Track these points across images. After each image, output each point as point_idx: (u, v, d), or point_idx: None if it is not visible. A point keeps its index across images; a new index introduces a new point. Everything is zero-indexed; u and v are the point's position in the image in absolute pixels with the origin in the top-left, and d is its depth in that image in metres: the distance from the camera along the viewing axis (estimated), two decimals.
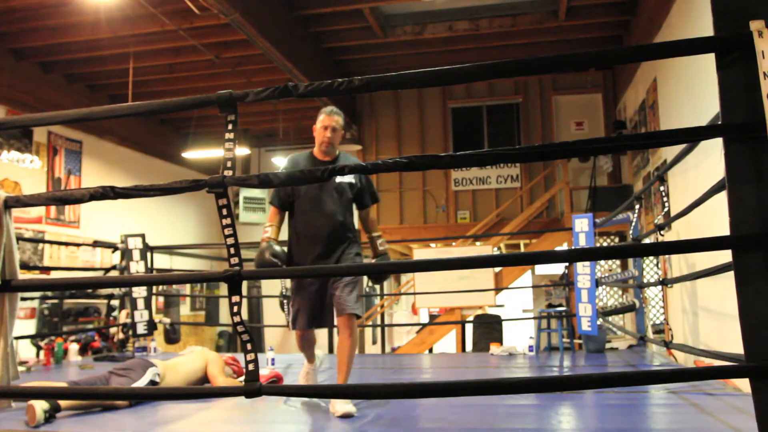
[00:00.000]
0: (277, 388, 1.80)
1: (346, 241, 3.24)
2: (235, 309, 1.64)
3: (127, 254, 5.99)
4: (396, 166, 1.66)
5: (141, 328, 5.89)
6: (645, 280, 6.05)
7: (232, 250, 1.69)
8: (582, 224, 5.25)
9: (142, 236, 6.09)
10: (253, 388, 1.59)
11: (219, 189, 1.75)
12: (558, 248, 9.28)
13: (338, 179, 3.19)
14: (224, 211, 1.73)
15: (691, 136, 1.85)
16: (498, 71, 1.64)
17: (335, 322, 3.17)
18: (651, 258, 6.41)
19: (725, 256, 1.32)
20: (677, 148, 3.69)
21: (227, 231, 1.73)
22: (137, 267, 5.99)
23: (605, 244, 8.95)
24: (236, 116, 1.86)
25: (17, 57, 7.69)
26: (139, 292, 6.06)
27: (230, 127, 1.83)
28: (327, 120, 3.25)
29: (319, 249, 3.18)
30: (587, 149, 1.71)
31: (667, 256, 5.63)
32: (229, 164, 1.79)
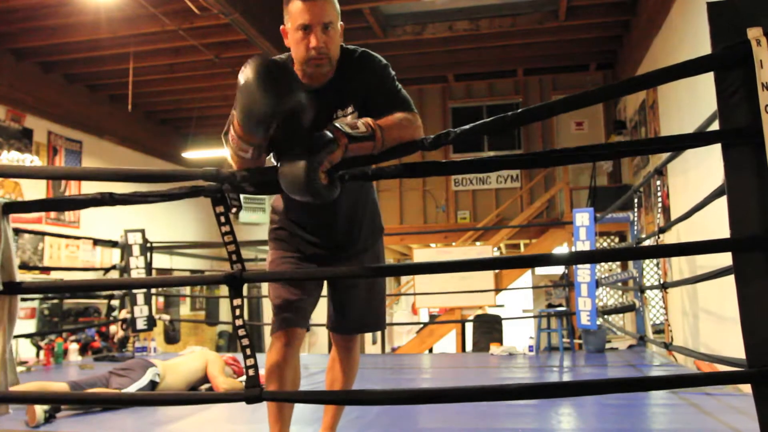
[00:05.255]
0: (278, 393, 1.79)
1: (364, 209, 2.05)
2: (237, 312, 1.62)
3: (126, 249, 5.98)
4: (399, 172, 1.64)
5: (141, 324, 5.87)
6: (645, 280, 6.06)
7: (234, 257, 1.68)
8: (583, 218, 5.30)
9: (142, 231, 6.08)
10: (253, 393, 1.58)
11: (217, 194, 1.67)
12: (558, 248, 9.30)
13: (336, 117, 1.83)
14: (222, 219, 1.69)
15: (688, 142, 1.85)
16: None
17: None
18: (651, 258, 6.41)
19: (726, 256, 1.32)
20: None
21: (227, 238, 1.68)
22: (137, 263, 5.98)
23: (605, 244, 8.96)
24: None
25: (17, 57, 7.69)
26: None
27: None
28: (308, 8, 1.67)
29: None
30: (587, 156, 1.70)
31: None
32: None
